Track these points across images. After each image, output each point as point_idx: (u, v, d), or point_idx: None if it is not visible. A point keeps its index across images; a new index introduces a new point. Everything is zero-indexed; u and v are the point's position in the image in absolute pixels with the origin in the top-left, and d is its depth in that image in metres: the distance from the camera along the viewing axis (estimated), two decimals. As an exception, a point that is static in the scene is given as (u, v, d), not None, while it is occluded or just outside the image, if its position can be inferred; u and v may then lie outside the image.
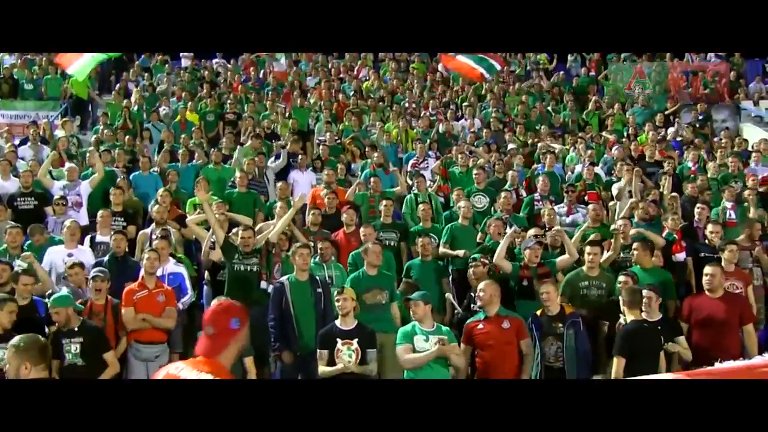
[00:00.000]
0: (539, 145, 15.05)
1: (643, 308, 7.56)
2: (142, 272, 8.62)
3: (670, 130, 16.82)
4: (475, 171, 12.45)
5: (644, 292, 7.65)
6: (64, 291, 7.94)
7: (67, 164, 12.44)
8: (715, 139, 16.47)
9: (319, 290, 8.25)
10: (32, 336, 4.66)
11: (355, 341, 7.33)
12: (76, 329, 7.44)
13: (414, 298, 7.32)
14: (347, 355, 7.27)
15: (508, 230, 9.44)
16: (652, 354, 7.32)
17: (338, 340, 7.34)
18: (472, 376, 7.66)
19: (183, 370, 3.80)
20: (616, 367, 7.34)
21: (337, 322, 7.52)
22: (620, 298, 7.88)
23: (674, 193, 11.74)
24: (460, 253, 9.72)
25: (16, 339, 4.50)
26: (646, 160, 13.91)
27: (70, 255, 9.31)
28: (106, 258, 9.25)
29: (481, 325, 7.49)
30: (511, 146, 15.22)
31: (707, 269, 8.07)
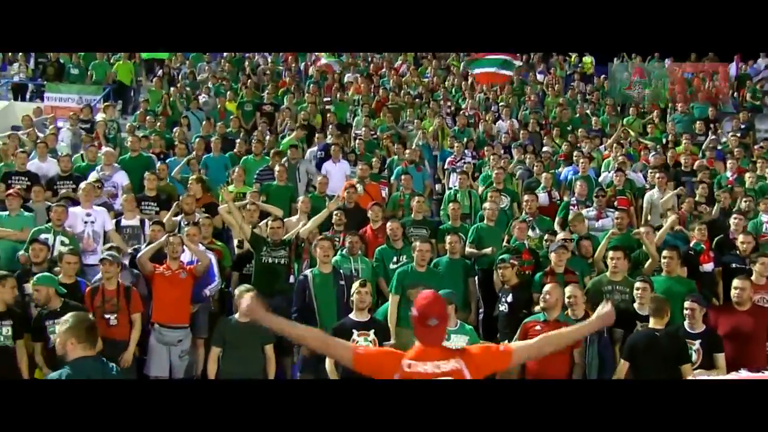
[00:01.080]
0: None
1: (686, 319, 7.54)
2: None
3: (710, 138, 16.52)
4: (495, 171, 12.48)
5: (687, 303, 7.59)
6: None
7: (104, 148, 12.63)
8: (756, 148, 16.14)
9: (342, 283, 8.38)
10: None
11: (371, 332, 7.48)
12: (58, 310, 7.35)
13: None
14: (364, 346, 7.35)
15: (530, 233, 9.43)
16: (661, 362, 7.18)
17: (354, 331, 7.45)
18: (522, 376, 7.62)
19: (427, 365, 4.05)
20: (619, 369, 7.41)
21: (352, 315, 7.65)
22: (635, 304, 7.88)
23: (703, 204, 11.61)
24: (488, 250, 9.71)
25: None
26: (681, 168, 13.74)
27: (88, 215, 9.63)
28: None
29: (539, 327, 7.41)
30: (546, 149, 15.17)
31: (736, 282, 7.91)
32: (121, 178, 11.88)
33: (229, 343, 7.72)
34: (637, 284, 8.11)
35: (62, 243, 9.07)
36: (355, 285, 7.82)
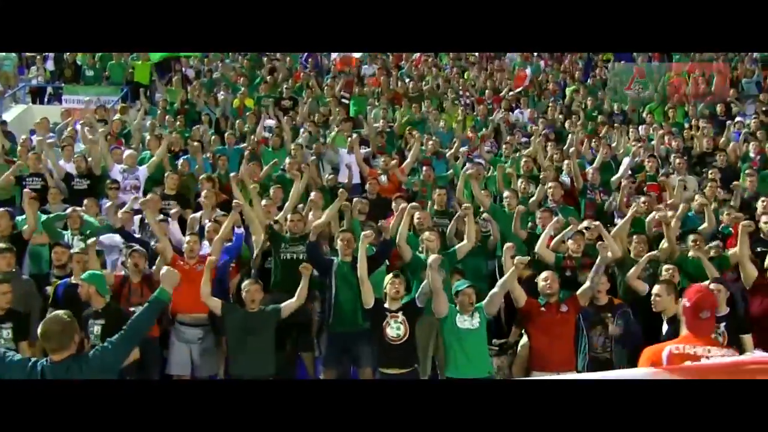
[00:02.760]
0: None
1: None
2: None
3: (736, 120, 16.22)
4: (523, 160, 12.37)
5: (712, 285, 7.42)
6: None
7: (127, 151, 12.62)
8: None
9: None
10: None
11: (400, 314, 7.60)
12: (99, 311, 7.41)
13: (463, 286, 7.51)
14: (396, 327, 7.56)
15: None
16: None
17: (387, 314, 7.63)
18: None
19: (697, 348, 4.25)
20: None
21: (385, 304, 7.73)
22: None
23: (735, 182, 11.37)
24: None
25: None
26: (700, 150, 13.57)
27: None
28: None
29: (543, 308, 7.71)
30: (570, 136, 14.99)
31: None
32: (143, 172, 11.96)
33: (234, 335, 7.74)
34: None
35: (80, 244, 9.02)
36: (389, 276, 7.87)
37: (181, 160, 12.52)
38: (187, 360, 8.25)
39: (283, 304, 7.92)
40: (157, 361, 8.14)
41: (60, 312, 4.85)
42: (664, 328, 7.29)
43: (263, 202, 10.10)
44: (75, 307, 6.63)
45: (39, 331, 4.68)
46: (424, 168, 12.28)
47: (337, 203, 9.40)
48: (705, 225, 9.61)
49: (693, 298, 4.39)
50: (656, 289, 7.48)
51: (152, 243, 9.09)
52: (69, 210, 9.68)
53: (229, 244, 8.94)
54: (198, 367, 8.27)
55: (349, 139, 13.51)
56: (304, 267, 8.01)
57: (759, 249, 9.16)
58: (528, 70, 19.85)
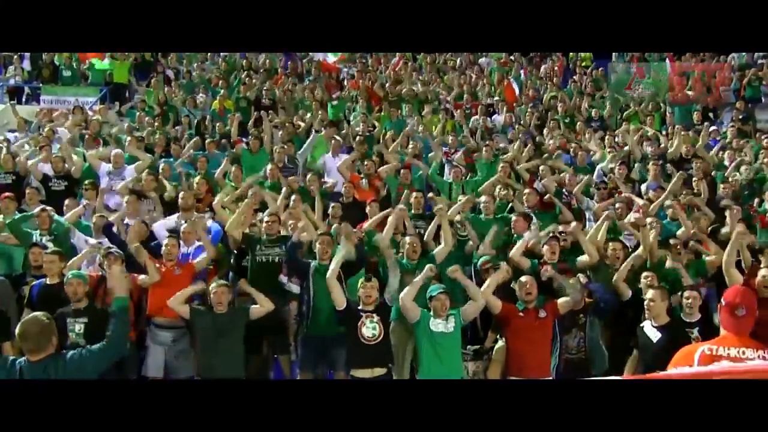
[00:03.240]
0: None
1: (685, 308, 7.65)
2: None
3: (711, 129, 16.39)
4: (500, 165, 12.38)
5: (686, 293, 7.70)
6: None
7: (114, 151, 12.52)
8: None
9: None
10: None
11: (375, 314, 7.64)
12: (82, 309, 7.46)
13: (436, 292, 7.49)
14: (372, 327, 7.57)
15: (533, 226, 9.38)
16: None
17: (361, 314, 7.63)
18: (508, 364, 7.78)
19: (730, 350, 4.28)
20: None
21: (359, 305, 7.73)
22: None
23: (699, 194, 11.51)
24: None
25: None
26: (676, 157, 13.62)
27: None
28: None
29: (521, 314, 7.71)
30: (550, 142, 15.09)
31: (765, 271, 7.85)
32: (130, 173, 11.82)
33: (203, 336, 7.75)
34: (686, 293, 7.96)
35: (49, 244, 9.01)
36: (361, 280, 7.87)
37: (162, 163, 12.45)
38: (162, 362, 8.23)
39: (252, 306, 7.97)
40: (134, 362, 8.13)
41: (38, 313, 4.89)
42: (654, 336, 7.40)
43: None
44: (50, 308, 6.59)
45: (17, 331, 4.71)
46: (402, 171, 12.29)
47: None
48: (682, 230, 9.70)
49: (729, 296, 4.45)
50: (650, 294, 7.58)
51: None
52: (38, 210, 9.62)
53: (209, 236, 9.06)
54: (173, 369, 8.24)
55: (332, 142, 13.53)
56: (241, 282, 8.35)
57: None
58: (515, 84, 19.92)
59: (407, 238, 8.86)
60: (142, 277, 8.37)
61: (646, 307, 7.55)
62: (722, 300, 4.50)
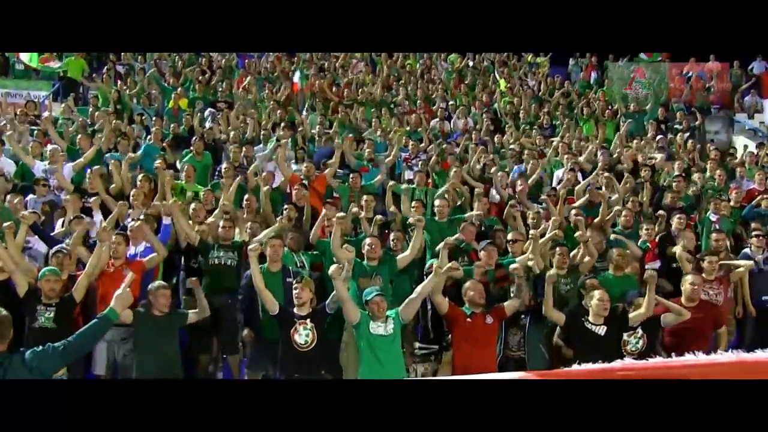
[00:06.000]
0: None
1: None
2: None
3: (659, 137, 16.65)
4: (453, 170, 12.47)
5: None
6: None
7: (49, 146, 12.34)
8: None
9: (290, 280, 8.25)
10: None
11: (308, 320, 7.55)
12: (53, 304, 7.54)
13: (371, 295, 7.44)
14: (305, 334, 7.50)
15: None
16: None
17: (296, 320, 7.55)
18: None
19: None
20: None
21: (294, 309, 7.67)
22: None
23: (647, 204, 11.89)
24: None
25: None
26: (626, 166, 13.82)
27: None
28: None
29: (469, 319, 7.81)
30: (511, 147, 15.20)
31: (692, 279, 8.31)
32: (68, 171, 11.63)
33: (142, 338, 7.71)
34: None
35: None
36: (294, 282, 7.82)
37: (111, 161, 12.23)
38: (107, 359, 8.14)
39: (190, 313, 7.98)
40: (80, 360, 7.99)
41: None
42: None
43: (192, 206, 10.12)
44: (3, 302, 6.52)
45: None
46: (351, 175, 12.28)
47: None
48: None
49: None
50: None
51: (65, 242, 8.90)
52: None
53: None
54: (121, 368, 8.16)
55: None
56: (192, 281, 8.09)
57: (675, 265, 9.68)
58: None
59: (366, 240, 8.91)
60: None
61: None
62: None
